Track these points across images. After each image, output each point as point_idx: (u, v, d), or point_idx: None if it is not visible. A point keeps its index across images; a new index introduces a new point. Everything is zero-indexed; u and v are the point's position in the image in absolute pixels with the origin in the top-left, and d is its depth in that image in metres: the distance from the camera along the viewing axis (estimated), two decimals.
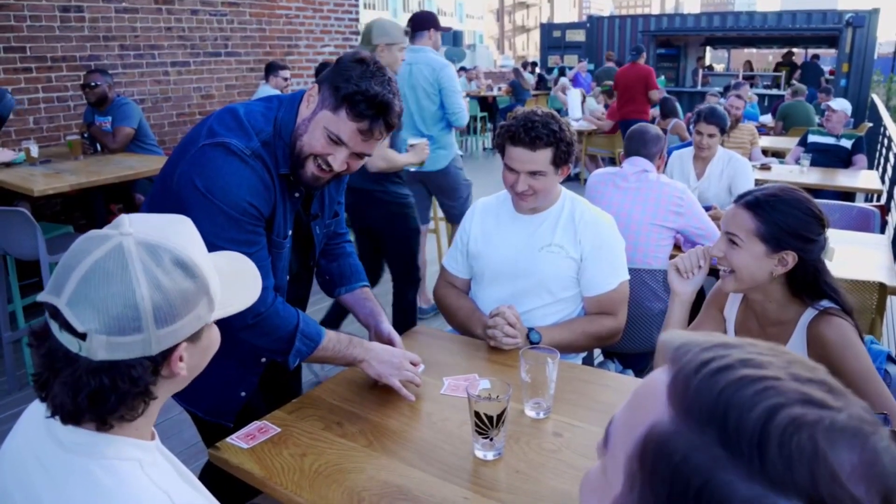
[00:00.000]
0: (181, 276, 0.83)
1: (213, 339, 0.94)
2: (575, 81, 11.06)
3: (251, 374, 1.63)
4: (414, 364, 1.63)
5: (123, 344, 0.79)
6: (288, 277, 1.65)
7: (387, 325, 1.77)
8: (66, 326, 0.79)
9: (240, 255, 1.06)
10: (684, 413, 0.45)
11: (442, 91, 3.66)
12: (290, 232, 1.58)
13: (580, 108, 8.14)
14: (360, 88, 1.38)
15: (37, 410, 0.89)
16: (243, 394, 1.65)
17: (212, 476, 1.44)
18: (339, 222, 1.85)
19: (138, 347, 0.80)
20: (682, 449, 0.44)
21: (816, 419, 0.42)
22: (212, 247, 0.93)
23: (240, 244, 1.40)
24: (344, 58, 1.44)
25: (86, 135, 4.42)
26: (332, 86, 1.41)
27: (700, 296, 1.82)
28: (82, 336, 0.78)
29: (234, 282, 0.97)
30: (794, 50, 15.72)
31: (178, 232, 0.87)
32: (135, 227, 0.83)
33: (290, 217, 1.56)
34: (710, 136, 3.56)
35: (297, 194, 1.56)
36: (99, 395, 0.80)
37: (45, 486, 0.82)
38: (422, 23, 3.73)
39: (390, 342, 1.72)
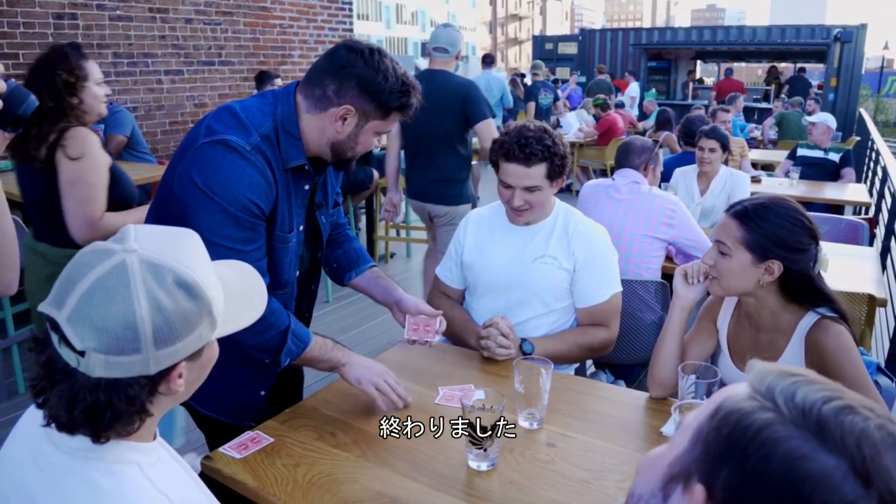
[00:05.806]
0: (183, 298, 0.82)
1: (213, 353, 0.94)
2: (570, 100, 11.11)
3: (270, 372, 1.64)
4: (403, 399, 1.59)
5: (121, 363, 0.79)
6: (298, 273, 1.65)
7: (409, 296, 1.79)
8: (66, 341, 0.78)
9: (243, 263, 1.05)
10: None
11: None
12: (301, 227, 1.59)
13: (575, 130, 8.34)
14: (401, 90, 1.44)
15: (34, 415, 0.89)
16: (263, 392, 1.68)
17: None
18: (339, 212, 1.88)
19: (136, 367, 0.80)
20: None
21: None
22: (208, 244, 0.92)
23: (236, 241, 1.41)
24: (359, 70, 1.41)
25: None
26: (374, 103, 1.44)
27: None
28: (81, 353, 0.78)
29: (239, 297, 0.95)
30: (780, 65, 15.95)
31: (183, 248, 0.86)
32: (139, 242, 0.82)
33: (297, 210, 1.57)
34: (711, 150, 3.66)
35: (306, 186, 1.57)
36: (95, 412, 0.79)
37: (42, 490, 0.82)
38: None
39: (419, 311, 1.75)
